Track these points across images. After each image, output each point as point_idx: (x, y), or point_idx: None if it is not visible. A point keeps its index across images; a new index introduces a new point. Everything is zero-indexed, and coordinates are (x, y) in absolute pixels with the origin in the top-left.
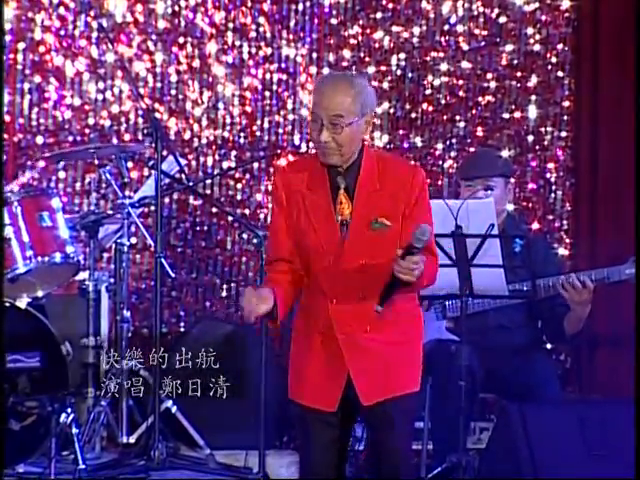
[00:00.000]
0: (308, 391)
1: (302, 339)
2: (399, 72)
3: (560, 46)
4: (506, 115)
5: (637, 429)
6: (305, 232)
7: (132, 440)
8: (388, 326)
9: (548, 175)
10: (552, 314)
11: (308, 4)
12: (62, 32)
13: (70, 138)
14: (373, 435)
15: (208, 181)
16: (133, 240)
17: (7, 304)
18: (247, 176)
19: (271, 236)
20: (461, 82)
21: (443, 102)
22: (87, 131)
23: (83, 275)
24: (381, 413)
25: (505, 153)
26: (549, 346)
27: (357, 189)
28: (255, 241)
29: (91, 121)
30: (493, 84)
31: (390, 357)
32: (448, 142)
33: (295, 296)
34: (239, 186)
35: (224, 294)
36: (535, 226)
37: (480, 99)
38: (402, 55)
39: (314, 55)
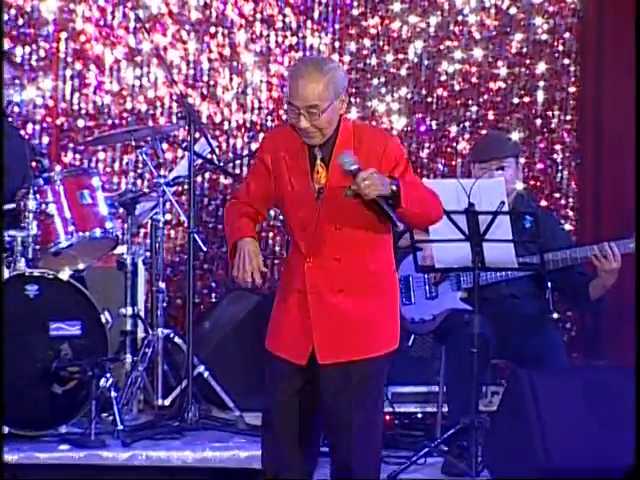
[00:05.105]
0: (283, 344)
1: (282, 296)
2: (416, 60)
3: (566, 35)
4: (516, 100)
5: (638, 399)
6: (285, 195)
7: (167, 403)
8: (361, 290)
9: (555, 156)
10: (574, 282)
11: None
12: (102, 22)
13: (109, 121)
14: (329, 403)
15: (237, 161)
16: (168, 216)
17: (51, 276)
18: None
19: (247, 182)
20: (474, 69)
21: (457, 88)
22: (125, 115)
23: (121, 249)
24: (337, 377)
25: (515, 135)
26: (556, 315)
27: (332, 160)
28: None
29: (129, 105)
30: (504, 71)
31: (357, 320)
32: (461, 125)
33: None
34: None
35: None
36: (543, 203)
37: (491, 85)
38: (419, 44)
39: (336, 44)
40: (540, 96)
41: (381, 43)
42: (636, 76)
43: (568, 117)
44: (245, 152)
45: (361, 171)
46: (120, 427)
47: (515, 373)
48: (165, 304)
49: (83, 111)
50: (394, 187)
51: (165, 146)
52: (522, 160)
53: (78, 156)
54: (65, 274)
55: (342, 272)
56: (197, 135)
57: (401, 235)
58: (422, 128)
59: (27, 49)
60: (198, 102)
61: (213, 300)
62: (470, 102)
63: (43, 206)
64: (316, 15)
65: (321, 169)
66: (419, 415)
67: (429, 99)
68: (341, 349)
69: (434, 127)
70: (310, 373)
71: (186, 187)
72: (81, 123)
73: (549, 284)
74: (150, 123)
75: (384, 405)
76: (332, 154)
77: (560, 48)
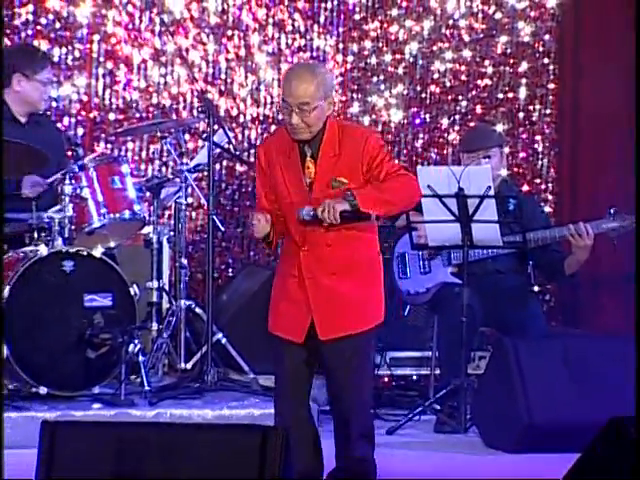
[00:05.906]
0: (282, 324)
1: (279, 281)
2: (411, 60)
3: (546, 37)
4: (500, 95)
5: (638, 367)
6: (281, 191)
7: (189, 366)
8: (351, 272)
9: (536, 146)
10: (551, 259)
11: (335, 2)
12: (130, 26)
13: (137, 115)
14: (331, 375)
15: (252, 150)
16: (189, 200)
17: (85, 253)
18: None
19: (257, 190)
20: (463, 68)
21: (448, 84)
22: (151, 109)
23: (148, 229)
24: (337, 350)
25: (500, 127)
26: (536, 288)
27: (319, 155)
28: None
29: (154, 101)
30: (490, 69)
31: (349, 299)
32: (452, 118)
33: (278, 231)
34: None
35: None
36: (525, 188)
37: (479, 82)
38: (414, 45)
39: (340, 45)
40: (522, 92)
41: (380, 44)
42: (636, 75)
43: (548, 111)
44: (258, 142)
45: (316, 209)
46: (147, 388)
47: (500, 340)
48: (187, 278)
49: (114, 106)
50: (351, 199)
51: (187, 137)
52: (506, 149)
53: (109, 146)
54: (98, 251)
55: (334, 257)
56: (216, 127)
57: (398, 216)
58: (417, 121)
59: (63, 50)
60: (217, 97)
61: (230, 275)
62: (460, 97)
63: (78, 190)
64: (322, 19)
65: (311, 165)
66: (414, 377)
67: (423, 95)
68: (338, 325)
69: (428, 120)
70: (308, 347)
71: (206, 173)
72: (112, 116)
73: (530, 261)
74: (174, 116)
75: (374, 368)
76: (320, 150)
77: (541, 49)
